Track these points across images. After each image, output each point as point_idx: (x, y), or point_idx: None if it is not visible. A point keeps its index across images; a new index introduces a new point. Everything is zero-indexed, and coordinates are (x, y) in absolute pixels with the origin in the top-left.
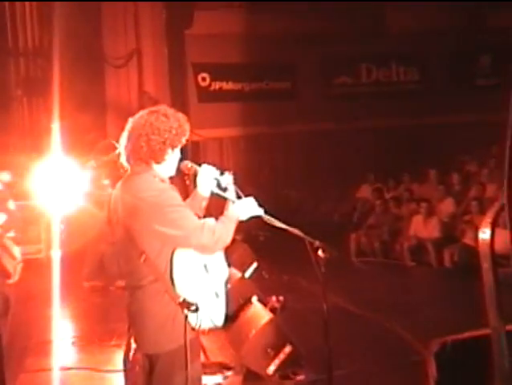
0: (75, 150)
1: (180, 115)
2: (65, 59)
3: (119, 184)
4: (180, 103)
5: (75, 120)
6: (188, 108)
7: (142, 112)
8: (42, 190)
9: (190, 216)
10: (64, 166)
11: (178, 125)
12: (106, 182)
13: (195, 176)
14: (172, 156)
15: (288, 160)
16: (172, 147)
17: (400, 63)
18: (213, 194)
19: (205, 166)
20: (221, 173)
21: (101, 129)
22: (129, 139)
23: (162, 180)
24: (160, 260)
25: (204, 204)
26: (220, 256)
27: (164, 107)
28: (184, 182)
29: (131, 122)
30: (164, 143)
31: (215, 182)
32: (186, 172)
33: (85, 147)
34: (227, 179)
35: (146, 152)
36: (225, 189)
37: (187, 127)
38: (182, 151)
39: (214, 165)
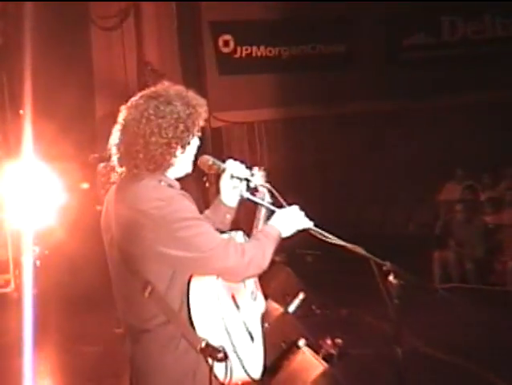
0: (53, 147)
1: (191, 95)
2: (35, 21)
3: (112, 191)
4: (194, 76)
5: (51, 104)
6: (206, 83)
7: (137, 98)
8: (9, 201)
9: (209, 231)
10: (38, 170)
11: (189, 113)
12: (85, 186)
13: (218, 176)
14: (185, 155)
15: (343, 151)
16: (183, 146)
17: (497, 13)
18: (242, 200)
19: (230, 162)
20: (252, 173)
21: (88, 114)
22: (122, 138)
23: (170, 185)
24: (172, 293)
25: (229, 217)
26: (253, 284)
27: (165, 88)
28: (202, 184)
29: (123, 113)
30: (168, 144)
31: (244, 185)
32: (206, 170)
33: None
34: (257, 178)
35: (143, 160)
36: (256, 193)
37: (203, 110)
38: (200, 139)
39: (242, 161)
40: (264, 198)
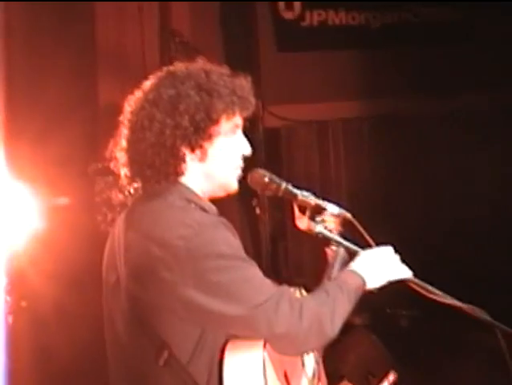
0: (35, 153)
1: (217, 75)
2: None
3: (121, 217)
4: (241, 54)
5: (36, 92)
6: (259, 64)
7: (150, 80)
8: None
9: (256, 277)
10: (14, 192)
11: (199, 101)
12: (62, 201)
13: (274, 200)
14: (208, 162)
15: (457, 163)
16: (192, 147)
17: None
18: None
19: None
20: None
21: (87, 104)
22: (129, 136)
23: (203, 209)
24: (198, 362)
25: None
26: (313, 363)
27: (189, 65)
28: (250, 211)
29: (130, 102)
30: (163, 144)
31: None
32: (259, 191)
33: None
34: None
35: (152, 162)
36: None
37: (232, 97)
38: (251, 142)
39: (309, 176)
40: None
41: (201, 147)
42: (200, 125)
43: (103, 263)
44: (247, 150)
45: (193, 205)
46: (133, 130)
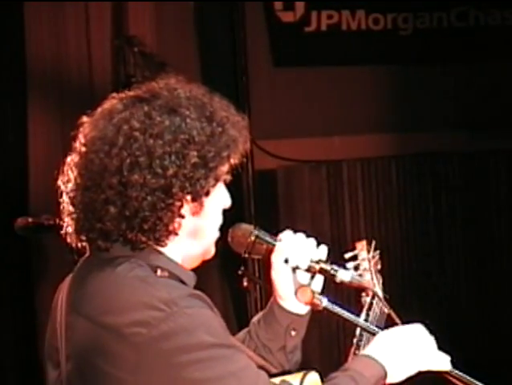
0: None
1: (219, 103)
2: None
3: (65, 284)
4: (223, 69)
5: None
6: (247, 84)
7: (113, 102)
8: None
9: (247, 368)
10: None
11: (211, 134)
12: None
13: (268, 264)
14: (202, 217)
15: None
16: (195, 196)
17: None
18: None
19: (288, 234)
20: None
21: (12, 137)
22: (80, 176)
23: (178, 278)
24: None
25: (294, 335)
26: None
27: (168, 86)
28: (236, 280)
29: (83, 129)
30: (166, 191)
31: (320, 281)
32: (243, 253)
33: None
34: (347, 273)
35: (114, 221)
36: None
37: (239, 133)
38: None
39: (317, 235)
40: (373, 308)
41: (206, 194)
42: (213, 168)
43: (46, 340)
44: (228, 202)
45: (159, 272)
46: (116, 169)
